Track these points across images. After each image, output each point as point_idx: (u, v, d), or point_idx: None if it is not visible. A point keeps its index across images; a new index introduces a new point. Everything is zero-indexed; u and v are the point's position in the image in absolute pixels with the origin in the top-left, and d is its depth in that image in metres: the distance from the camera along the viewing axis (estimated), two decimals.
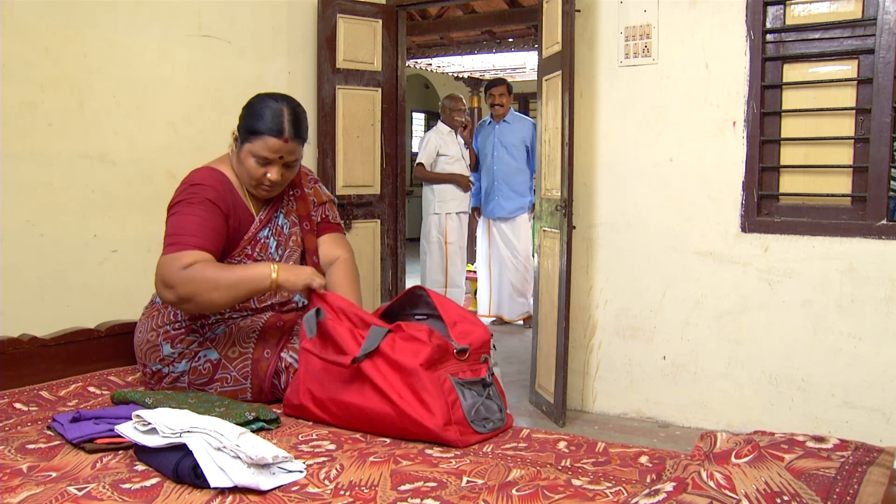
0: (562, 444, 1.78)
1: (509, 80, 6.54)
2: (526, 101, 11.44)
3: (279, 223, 2.24)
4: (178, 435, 1.51)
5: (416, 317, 2.17)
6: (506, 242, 6.00)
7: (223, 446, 1.47)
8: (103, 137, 3.07)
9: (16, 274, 2.78)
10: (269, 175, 2.10)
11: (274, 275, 1.98)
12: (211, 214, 2.05)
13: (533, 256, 4.46)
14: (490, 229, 6.08)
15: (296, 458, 1.60)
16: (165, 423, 1.54)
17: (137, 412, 1.61)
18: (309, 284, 2.00)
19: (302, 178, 2.34)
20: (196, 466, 1.45)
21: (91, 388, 2.19)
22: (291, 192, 2.29)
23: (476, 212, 6.24)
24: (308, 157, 4.16)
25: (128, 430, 1.60)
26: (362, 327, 1.91)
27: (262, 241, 2.18)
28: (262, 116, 2.08)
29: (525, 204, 5.97)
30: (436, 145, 6.00)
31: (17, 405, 2.01)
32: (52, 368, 2.24)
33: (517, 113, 6.11)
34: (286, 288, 2.01)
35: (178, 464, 1.48)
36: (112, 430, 1.68)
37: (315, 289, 2.00)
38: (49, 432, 1.79)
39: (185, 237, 1.99)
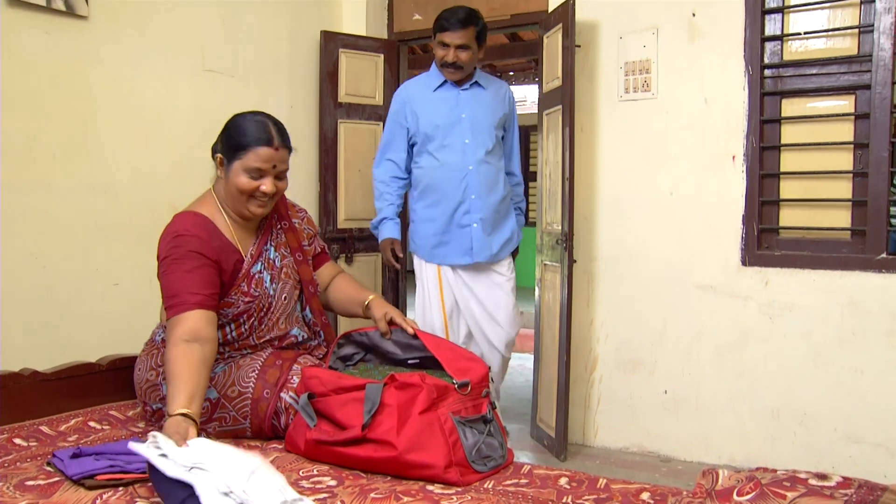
0: (563, 480, 1.78)
1: None
2: (527, 134, 11.50)
3: (270, 257, 2.23)
4: (187, 469, 1.49)
5: (409, 361, 2.18)
6: (479, 310, 3.47)
7: (230, 491, 1.46)
8: (107, 169, 3.09)
9: (17, 306, 2.78)
10: (262, 188, 2.10)
11: (176, 413, 1.77)
12: (199, 264, 2.04)
13: (535, 299, 3.87)
14: (444, 286, 3.45)
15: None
16: (176, 454, 1.53)
17: (154, 433, 1.59)
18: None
19: (290, 209, 2.37)
20: None
21: (91, 423, 2.18)
22: (280, 225, 2.30)
23: (393, 248, 3.44)
24: (310, 190, 4.19)
25: (143, 449, 1.56)
26: (352, 390, 1.90)
27: (255, 276, 2.18)
28: (246, 130, 2.10)
29: (512, 233, 3.53)
30: None
31: (17, 440, 2.00)
32: (53, 403, 2.23)
33: (485, 73, 3.63)
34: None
35: (183, 502, 1.47)
36: (113, 466, 1.67)
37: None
38: (49, 468, 1.78)
39: (183, 296, 1.99)
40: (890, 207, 3.15)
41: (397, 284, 4.58)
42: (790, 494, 1.37)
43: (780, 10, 3.36)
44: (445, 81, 3.42)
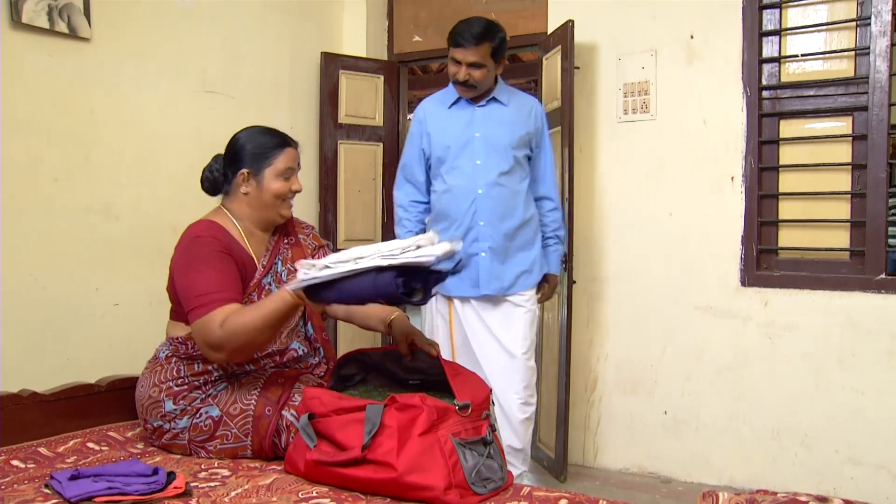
0: (563, 502, 1.77)
1: None
2: None
3: (278, 270, 2.27)
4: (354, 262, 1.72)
5: (410, 382, 2.17)
6: (491, 343, 3.08)
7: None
8: (108, 191, 3.10)
9: (17, 327, 2.78)
10: (293, 187, 2.24)
11: (289, 298, 1.92)
12: (225, 264, 2.09)
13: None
14: (454, 319, 3.14)
15: None
16: (336, 259, 1.75)
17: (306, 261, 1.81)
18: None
19: (296, 226, 2.41)
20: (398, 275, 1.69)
21: (90, 444, 2.17)
22: (286, 241, 2.34)
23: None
24: (310, 210, 4.20)
25: (303, 276, 1.79)
26: (353, 411, 1.89)
27: (266, 287, 2.21)
28: (266, 138, 2.25)
29: (532, 265, 3.10)
30: None
31: (15, 462, 2.00)
32: (52, 424, 2.23)
33: (510, 86, 3.24)
34: (303, 300, 1.93)
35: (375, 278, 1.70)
36: (111, 488, 1.67)
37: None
38: (46, 490, 1.77)
39: (212, 295, 2.01)
40: (888, 228, 3.16)
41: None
42: None
43: (778, 32, 3.39)
44: (459, 100, 3.12)
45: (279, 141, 2.24)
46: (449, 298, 3.13)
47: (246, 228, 2.23)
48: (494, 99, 3.08)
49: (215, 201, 2.33)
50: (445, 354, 2.84)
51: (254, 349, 2.07)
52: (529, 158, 3.13)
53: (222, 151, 2.33)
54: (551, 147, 3.21)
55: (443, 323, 3.15)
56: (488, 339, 3.06)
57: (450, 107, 3.12)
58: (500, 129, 3.04)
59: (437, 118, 3.14)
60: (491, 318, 3.06)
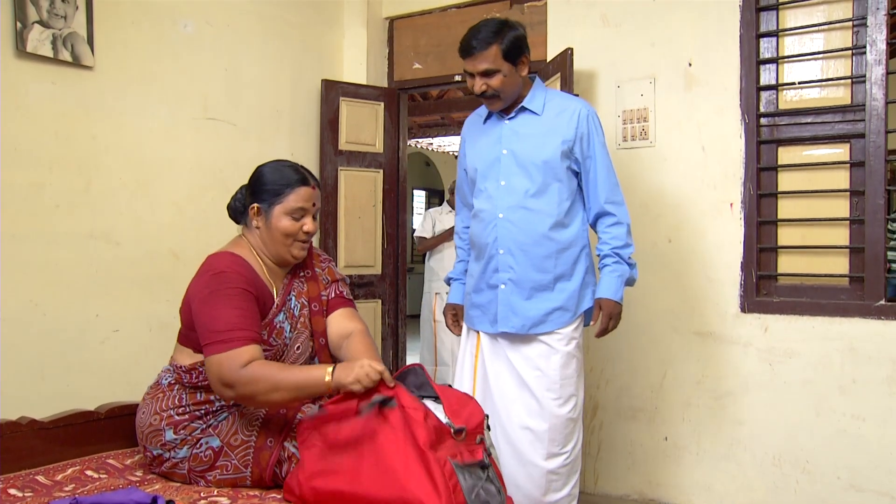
0: None
1: None
2: None
3: (291, 306, 2.25)
4: None
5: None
6: (512, 384, 2.73)
7: None
8: (109, 217, 3.11)
9: (17, 353, 2.78)
10: (305, 227, 2.19)
11: (328, 378, 1.94)
12: (249, 303, 2.07)
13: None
14: (479, 355, 2.84)
15: None
16: None
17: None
18: (361, 380, 1.91)
19: (314, 258, 2.38)
20: None
21: (89, 472, 2.16)
22: (302, 274, 2.32)
23: (453, 315, 3.03)
24: None
25: None
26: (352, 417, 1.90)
27: (277, 326, 2.19)
28: (282, 174, 2.20)
29: (567, 301, 2.69)
30: (433, 221, 6.06)
31: (12, 491, 1.98)
32: (50, 451, 2.21)
33: (551, 89, 2.88)
34: (343, 387, 1.92)
35: None
36: None
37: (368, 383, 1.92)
38: None
39: (235, 332, 1.99)
40: (888, 253, 3.17)
41: (397, 331, 4.58)
42: None
43: (775, 60, 3.42)
44: (491, 115, 2.82)
45: (295, 179, 2.19)
46: (477, 332, 2.84)
47: (265, 262, 2.23)
48: (524, 108, 2.74)
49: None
50: (466, 390, 2.76)
51: (265, 404, 2.03)
52: (577, 173, 2.74)
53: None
54: (607, 154, 2.77)
55: (469, 358, 2.86)
56: (512, 379, 2.72)
57: (485, 122, 2.85)
58: (530, 144, 2.69)
59: (472, 135, 2.89)
60: (517, 358, 2.71)
